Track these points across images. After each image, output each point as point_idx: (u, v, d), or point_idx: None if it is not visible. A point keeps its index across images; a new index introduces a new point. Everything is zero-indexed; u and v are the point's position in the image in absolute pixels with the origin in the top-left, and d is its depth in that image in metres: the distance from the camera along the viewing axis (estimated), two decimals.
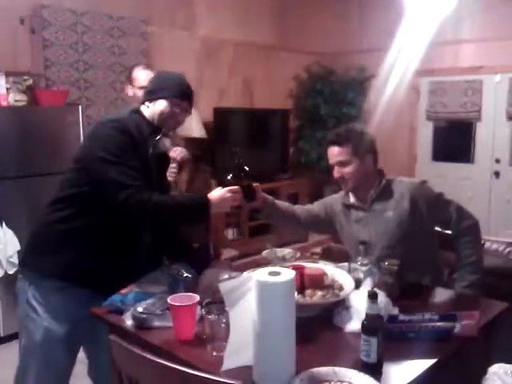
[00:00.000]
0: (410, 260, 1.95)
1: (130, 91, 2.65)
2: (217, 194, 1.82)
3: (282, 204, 2.25)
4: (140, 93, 2.53)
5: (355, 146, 2.07)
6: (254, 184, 2.02)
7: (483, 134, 5.22)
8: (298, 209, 2.31)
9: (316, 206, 2.33)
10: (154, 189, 1.77)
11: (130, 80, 2.67)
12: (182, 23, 4.90)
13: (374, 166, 2.14)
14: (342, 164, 2.08)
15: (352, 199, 2.19)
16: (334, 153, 2.10)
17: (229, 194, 1.83)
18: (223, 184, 1.89)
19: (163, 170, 2.03)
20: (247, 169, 1.91)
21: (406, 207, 2.05)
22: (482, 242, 2.11)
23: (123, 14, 4.27)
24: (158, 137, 1.86)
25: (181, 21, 4.89)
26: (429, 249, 2.11)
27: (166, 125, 1.87)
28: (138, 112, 1.89)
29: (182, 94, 1.87)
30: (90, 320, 1.70)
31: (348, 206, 2.21)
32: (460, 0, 4.75)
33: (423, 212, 2.05)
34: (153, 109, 1.86)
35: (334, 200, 2.29)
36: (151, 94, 1.88)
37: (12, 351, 1.92)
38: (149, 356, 1.17)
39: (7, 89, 3.33)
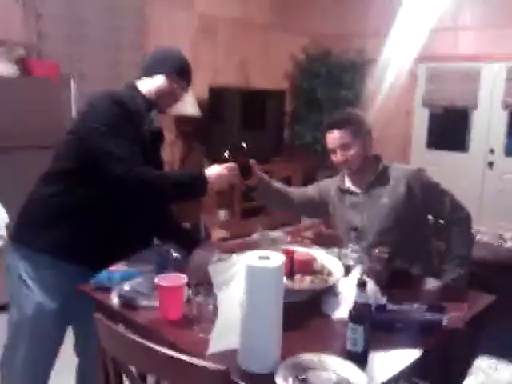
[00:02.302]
0: (401, 247, 1.97)
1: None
2: (214, 170, 1.79)
3: (277, 184, 2.22)
4: None
5: (355, 128, 2.08)
6: (251, 161, 2.00)
7: (478, 123, 5.20)
8: (293, 190, 2.30)
9: (311, 189, 2.31)
10: (150, 165, 1.75)
11: None
12: (179, 0, 4.81)
13: (371, 148, 2.13)
14: (345, 147, 2.08)
15: (348, 183, 2.19)
16: (336, 136, 2.09)
17: (226, 171, 1.81)
18: (220, 161, 1.85)
19: (158, 147, 1.99)
20: (244, 145, 1.92)
21: (401, 193, 2.05)
22: (473, 234, 2.11)
23: None
24: (154, 112, 1.83)
25: None
26: (421, 237, 2.11)
27: (163, 101, 1.85)
28: (133, 86, 1.86)
29: (182, 72, 1.85)
30: (81, 295, 1.68)
31: (343, 191, 2.20)
32: None
33: (418, 199, 2.05)
34: (150, 84, 1.83)
35: (328, 184, 2.28)
36: (150, 69, 1.85)
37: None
38: (133, 336, 1.16)
39: None
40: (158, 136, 1.95)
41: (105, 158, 1.64)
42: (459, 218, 2.05)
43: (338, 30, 5.76)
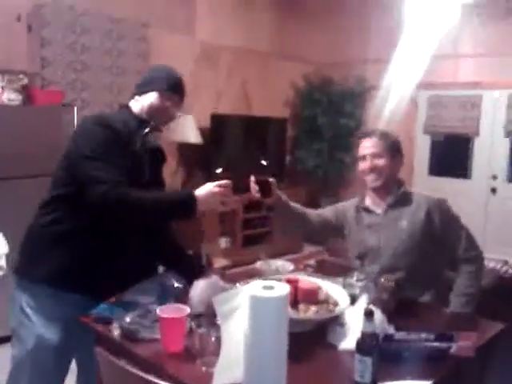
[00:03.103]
0: (413, 273, 1.96)
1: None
2: (204, 189, 1.74)
3: (295, 204, 2.22)
4: None
5: (390, 145, 2.12)
6: (270, 179, 1.99)
7: (480, 150, 5.20)
8: (311, 212, 2.28)
9: (327, 211, 2.30)
10: (146, 184, 1.75)
11: None
12: (181, 27, 4.88)
13: (398, 172, 2.17)
14: (376, 155, 2.10)
15: (368, 202, 2.19)
16: (369, 144, 2.12)
17: (217, 189, 1.73)
18: (213, 178, 1.81)
19: (158, 166, 1.96)
20: (264, 163, 1.83)
21: (421, 218, 2.04)
22: (483, 273, 2.07)
23: (123, 16, 4.24)
24: (146, 130, 1.81)
25: (180, 24, 4.87)
26: (434, 266, 2.08)
27: (156, 118, 1.83)
28: (126, 106, 1.87)
29: (172, 87, 1.84)
30: (83, 326, 1.65)
31: (362, 210, 2.19)
32: (461, 14, 4.78)
33: (436, 228, 2.03)
34: (142, 102, 1.83)
35: (346, 206, 2.28)
36: (141, 87, 1.85)
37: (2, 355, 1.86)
38: (134, 370, 1.12)
39: (1, 87, 3.28)
40: (156, 154, 1.91)
41: (86, 181, 1.63)
42: (473, 257, 2.03)
43: (338, 57, 5.83)
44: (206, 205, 1.73)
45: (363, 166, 2.12)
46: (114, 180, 1.62)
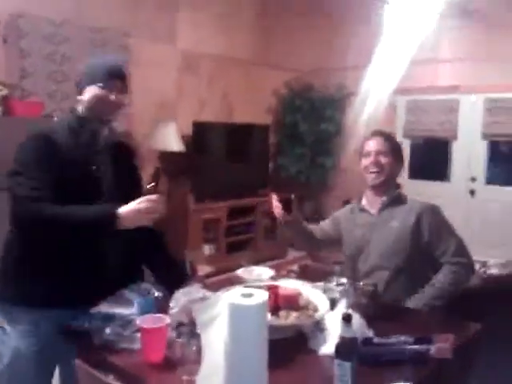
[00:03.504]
0: (399, 276, 2.04)
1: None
2: (129, 205, 1.62)
3: (304, 222, 2.33)
4: None
5: (395, 148, 2.21)
6: (292, 196, 2.06)
7: (459, 153, 5.27)
8: (315, 227, 2.38)
9: (327, 224, 2.40)
10: (110, 186, 1.71)
11: None
12: (163, 35, 4.89)
13: (397, 175, 2.24)
14: (381, 153, 2.17)
15: (364, 202, 2.26)
16: (378, 142, 2.19)
17: (142, 205, 1.61)
18: (145, 193, 1.70)
19: (121, 163, 1.85)
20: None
21: (411, 221, 2.08)
22: (466, 282, 2.08)
23: (104, 26, 4.23)
24: (93, 128, 1.74)
25: (162, 33, 4.88)
26: (421, 271, 2.10)
27: (101, 111, 1.73)
28: (72, 109, 1.78)
29: (109, 73, 1.73)
30: (61, 338, 1.64)
31: (357, 211, 2.26)
32: (438, 20, 4.86)
33: (425, 233, 2.07)
34: (84, 100, 1.74)
35: (341, 212, 2.37)
36: (79, 85, 1.76)
37: None
38: (114, 382, 1.12)
39: None
40: (116, 151, 1.83)
41: (10, 197, 1.61)
42: (459, 263, 2.04)
43: (318, 64, 5.88)
44: (131, 222, 1.60)
45: (366, 162, 2.19)
46: (30, 196, 1.57)
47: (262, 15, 5.83)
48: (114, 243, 1.73)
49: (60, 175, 1.63)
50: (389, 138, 2.23)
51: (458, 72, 5.09)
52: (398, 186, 2.24)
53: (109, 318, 1.53)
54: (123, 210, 1.60)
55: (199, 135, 4.96)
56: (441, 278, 2.02)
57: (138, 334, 1.42)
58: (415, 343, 1.45)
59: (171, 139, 4.59)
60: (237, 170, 5.43)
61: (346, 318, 1.29)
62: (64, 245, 1.65)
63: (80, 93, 1.75)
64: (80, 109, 1.75)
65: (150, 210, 1.62)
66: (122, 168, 1.85)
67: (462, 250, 2.07)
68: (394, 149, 2.20)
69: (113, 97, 1.71)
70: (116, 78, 1.74)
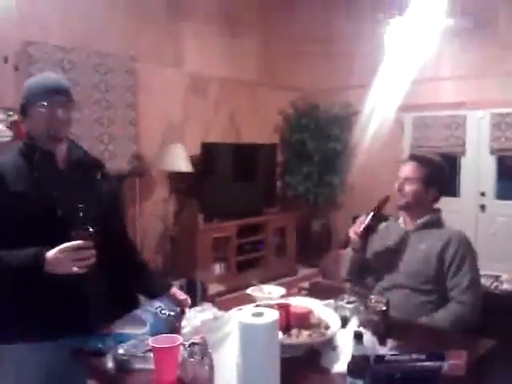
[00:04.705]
0: (416, 296, 2.05)
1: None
2: (52, 253, 1.51)
3: None
4: None
5: (429, 173, 2.16)
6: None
7: (468, 168, 5.27)
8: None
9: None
10: (83, 210, 1.58)
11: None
12: (169, 60, 4.97)
13: (433, 201, 2.21)
14: (408, 180, 2.16)
15: (401, 220, 2.27)
16: (409, 168, 2.19)
17: (63, 255, 1.50)
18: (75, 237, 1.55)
19: (89, 183, 1.76)
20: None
21: (438, 247, 2.08)
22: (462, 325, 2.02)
23: (111, 51, 4.32)
24: (46, 149, 1.66)
25: (168, 57, 4.96)
26: (439, 294, 2.09)
27: (49, 130, 1.64)
28: (26, 136, 1.70)
29: (48, 91, 1.63)
30: (64, 367, 1.62)
31: (392, 227, 2.29)
32: (440, 38, 4.90)
33: (447, 259, 2.07)
34: (30, 123, 1.66)
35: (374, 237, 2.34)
36: (22, 110, 1.68)
37: None
38: None
39: None
40: (82, 170, 1.74)
41: None
42: (465, 303, 2.02)
43: (324, 84, 5.93)
44: (55, 269, 1.51)
45: (396, 185, 2.21)
46: None
47: (266, 37, 5.91)
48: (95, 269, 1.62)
49: (12, 211, 1.56)
50: (426, 163, 2.17)
51: (464, 88, 5.12)
52: (434, 211, 2.22)
53: (122, 338, 1.55)
54: (50, 255, 1.51)
55: (207, 156, 5.01)
56: (442, 316, 2.01)
57: (151, 354, 1.43)
58: (427, 360, 1.44)
59: (180, 160, 4.64)
60: (245, 189, 5.46)
61: (357, 336, 1.30)
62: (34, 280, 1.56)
63: (24, 117, 1.68)
64: (33, 133, 1.67)
65: (76, 257, 1.51)
66: (90, 185, 1.76)
67: (473, 288, 2.04)
68: (427, 175, 2.15)
69: (57, 113, 1.63)
70: (56, 93, 1.65)
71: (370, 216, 2.15)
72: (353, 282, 2.32)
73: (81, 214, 1.55)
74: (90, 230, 1.54)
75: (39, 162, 1.64)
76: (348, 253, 2.29)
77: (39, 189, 1.61)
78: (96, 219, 1.63)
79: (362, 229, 2.14)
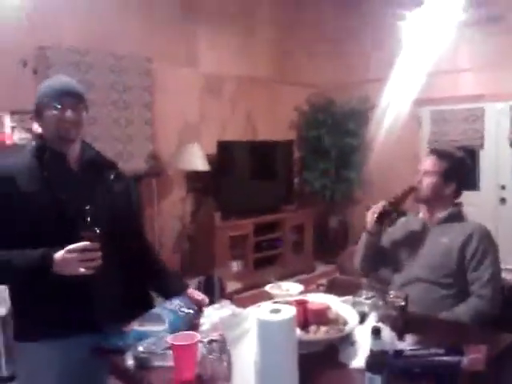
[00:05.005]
0: (435, 291, 2.05)
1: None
2: (59, 254, 1.53)
3: None
4: None
5: (449, 167, 2.16)
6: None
7: (487, 161, 5.20)
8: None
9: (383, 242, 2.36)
10: (96, 211, 1.60)
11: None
12: (184, 60, 5.00)
13: (454, 195, 2.20)
14: (427, 173, 2.18)
15: (421, 214, 2.27)
16: (429, 162, 2.20)
17: (70, 255, 1.52)
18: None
19: (101, 184, 1.77)
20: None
21: (460, 240, 2.08)
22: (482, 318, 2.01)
23: (126, 52, 4.36)
24: (58, 150, 1.68)
25: (183, 58, 4.99)
26: (459, 288, 2.08)
27: (60, 132, 1.67)
28: (36, 136, 1.75)
29: (59, 93, 1.67)
30: (83, 365, 1.66)
31: (413, 221, 2.29)
32: (457, 30, 4.84)
33: (469, 253, 2.06)
34: (43, 126, 1.70)
35: (396, 224, 2.38)
36: (37, 113, 1.71)
37: None
38: None
39: (12, 128, 3.38)
40: (95, 172, 1.77)
41: None
42: (485, 296, 2.01)
43: (339, 79, 5.91)
44: (63, 270, 1.53)
45: (416, 178, 2.22)
46: None
47: (281, 33, 5.90)
48: (105, 264, 1.62)
49: (23, 211, 1.58)
50: (446, 157, 2.18)
51: (482, 80, 5.05)
52: (455, 204, 2.22)
53: (142, 336, 1.56)
54: (57, 255, 1.53)
55: (224, 154, 5.03)
56: (463, 310, 2.00)
57: (170, 352, 1.44)
58: (446, 355, 1.44)
59: (196, 159, 4.66)
60: (262, 186, 5.47)
61: (375, 332, 1.30)
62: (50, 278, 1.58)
63: (38, 119, 1.71)
64: (46, 135, 1.70)
65: (83, 258, 1.52)
66: (103, 186, 1.78)
67: (494, 282, 2.03)
68: (446, 169, 2.15)
69: (67, 114, 1.66)
70: (66, 95, 1.67)
71: (390, 201, 2.16)
72: (365, 272, 2.34)
73: (88, 216, 1.56)
74: (97, 231, 1.55)
75: (50, 162, 1.66)
76: (362, 238, 2.29)
77: (50, 189, 1.63)
78: (109, 220, 1.66)
79: (379, 211, 2.15)
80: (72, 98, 1.68)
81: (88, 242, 1.53)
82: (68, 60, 3.99)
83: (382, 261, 2.32)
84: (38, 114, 1.70)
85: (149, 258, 1.96)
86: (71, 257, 1.52)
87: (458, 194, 2.21)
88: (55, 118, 1.66)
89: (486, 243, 2.08)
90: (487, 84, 5.01)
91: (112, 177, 1.82)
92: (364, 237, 2.28)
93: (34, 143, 1.72)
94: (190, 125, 5.04)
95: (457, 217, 2.18)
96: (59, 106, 1.65)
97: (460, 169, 2.20)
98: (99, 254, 1.55)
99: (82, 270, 1.52)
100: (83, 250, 1.52)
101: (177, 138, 4.86)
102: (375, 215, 2.17)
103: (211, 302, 1.87)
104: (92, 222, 1.56)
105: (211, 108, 5.22)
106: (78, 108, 1.69)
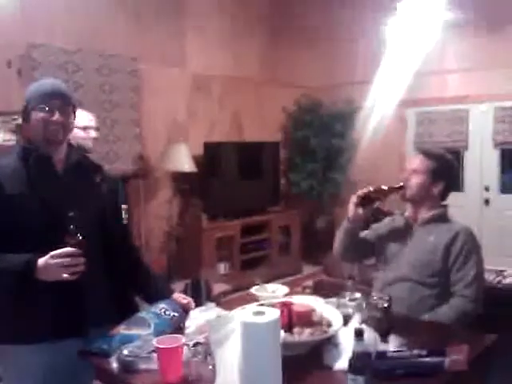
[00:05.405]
0: (420, 290, 2.07)
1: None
2: (43, 260, 1.53)
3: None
4: (80, 133, 2.50)
5: (437, 167, 2.18)
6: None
7: (471, 163, 5.27)
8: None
9: (366, 232, 2.39)
10: (85, 210, 1.62)
11: None
12: (171, 60, 4.99)
13: (441, 196, 2.21)
14: (413, 172, 2.19)
15: (407, 214, 2.28)
16: (415, 160, 2.23)
17: (53, 261, 1.52)
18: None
19: (87, 184, 1.79)
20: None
21: (446, 240, 2.10)
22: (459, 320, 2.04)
23: (114, 52, 4.34)
24: (43, 152, 1.68)
25: (171, 57, 4.98)
26: (443, 288, 2.10)
27: (46, 134, 1.67)
28: (25, 139, 1.75)
29: (46, 95, 1.67)
30: (68, 368, 1.65)
31: (399, 221, 2.30)
32: (443, 31, 4.89)
33: (453, 253, 2.08)
34: (31, 127, 1.69)
35: (382, 222, 2.39)
36: (23, 114, 1.71)
37: None
38: None
39: None
40: (80, 173, 1.77)
41: None
42: (467, 296, 2.03)
43: (326, 81, 5.94)
44: (46, 275, 1.54)
45: (401, 176, 2.25)
46: None
47: (269, 34, 5.92)
48: (90, 268, 1.62)
49: (7, 214, 1.58)
50: (434, 158, 2.20)
51: (466, 82, 5.11)
52: (442, 205, 2.24)
53: (127, 339, 1.56)
54: (40, 261, 1.53)
55: (211, 155, 5.03)
56: (445, 311, 2.03)
57: (155, 355, 1.45)
58: (428, 356, 1.46)
59: (183, 160, 4.66)
60: (249, 187, 5.48)
61: (358, 333, 1.31)
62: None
63: (25, 121, 1.71)
64: (32, 136, 1.70)
65: (66, 264, 1.52)
66: (88, 188, 1.79)
67: (477, 282, 2.06)
68: (434, 168, 2.17)
69: (53, 117, 1.66)
70: (54, 98, 1.68)
71: (372, 189, 2.17)
72: (345, 260, 2.40)
73: (72, 222, 1.56)
74: (80, 238, 1.56)
75: (36, 164, 1.67)
76: (342, 225, 2.31)
77: (35, 192, 1.63)
78: (94, 223, 1.66)
79: (363, 194, 2.17)
80: (59, 100, 1.69)
81: (71, 248, 1.54)
82: (55, 60, 3.96)
83: (365, 252, 2.36)
84: (26, 115, 1.70)
85: (134, 262, 1.95)
86: (54, 262, 1.52)
87: (444, 195, 2.23)
88: (41, 121, 1.66)
89: (471, 244, 2.11)
90: (472, 85, 5.07)
91: (98, 179, 1.82)
92: (344, 223, 2.30)
93: (20, 145, 1.73)
94: (177, 125, 5.03)
95: (442, 218, 2.20)
96: (47, 108, 1.66)
97: (448, 169, 2.23)
98: (82, 260, 1.55)
99: (65, 275, 1.53)
100: (66, 255, 1.53)
101: (164, 139, 4.85)
102: (358, 198, 2.18)
103: (198, 305, 1.88)
104: (76, 229, 1.56)
105: (199, 108, 5.22)
106: (65, 110, 1.69)
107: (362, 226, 2.31)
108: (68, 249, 1.53)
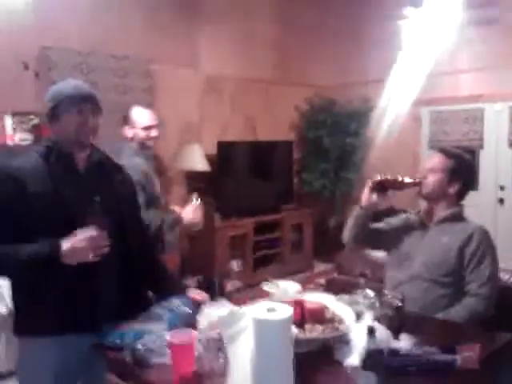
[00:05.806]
0: (435, 289, 2.06)
1: (128, 132, 2.67)
2: (67, 242, 1.56)
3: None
4: (142, 133, 2.56)
5: (455, 167, 2.17)
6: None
7: (486, 162, 5.21)
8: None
9: (380, 224, 2.40)
10: (101, 212, 1.63)
11: (127, 121, 2.67)
12: (184, 61, 5.01)
13: (457, 196, 2.20)
14: (431, 170, 2.19)
15: (422, 211, 2.28)
16: (434, 158, 2.22)
17: (79, 243, 1.56)
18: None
19: (108, 186, 1.80)
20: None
21: (460, 240, 2.09)
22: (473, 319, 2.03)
23: (127, 54, 4.37)
24: (69, 153, 1.72)
25: (184, 59, 5.00)
26: (457, 287, 2.10)
27: (79, 137, 1.70)
28: (46, 140, 1.77)
29: (81, 99, 1.71)
30: (81, 361, 1.68)
31: (414, 219, 2.30)
32: (457, 30, 4.86)
33: (468, 253, 2.08)
34: (58, 129, 1.72)
35: (397, 218, 2.39)
36: (51, 117, 1.72)
37: None
38: None
39: (13, 128, 3.40)
40: (101, 174, 1.79)
41: None
42: (481, 295, 2.03)
43: (340, 79, 5.92)
44: (71, 259, 1.57)
45: (419, 174, 2.24)
46: None
47: (280, 34, 5.91)
48: (106, 261, 1.66)
49: (29, 212, 1.60)
50: (453, 157, 2.19)
51: (480, 81, 5.06)
52: (458, 205, 2.23)
53: (140, 334, 1.59)
54: (65, 244, 1.56)
55: (224, 154, 5.05)
56: (459, 311, 2.02)
57: (168, 349, 1.47)
58: (440, 353, 1.46)
59: (197, 160, 4.68)
60: (262, 186, 5.49)
61: (371, 331, 1.32)
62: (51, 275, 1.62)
63: (52, 121, 1.73)
64: (56, 138, 1.73)
65: (90, 246, 1.57)
66: (109, 187, 1.80)
67: (492, 282, 2.05)
68: (451, 167, 2.16)
69: (88, 120, 1.71)
70: (88, 101, 1.72)
71: (394, 178, 2.18)
72: (352, 245, 2.42)
73: (96, 205, 1.60)
74: (105, 219, 1.60)
75: (58, 163, 1.69)
76: (353, 211, 2.32)
77: (56, 190, 1.65)
78: (112, 220, 1.68)
79: (379, 180, 2.20)
80: (93, 104, 1.74)
81: (96, 230, 1.58)
82: (70, 62, 3.99)
83: (375, 243, 2.35)
84: (54, 117, 1.72)
85: (150, 259, 1.98)
86: (80, 243, 1.55)
87: (461, 195, 2.22)
88: (76, 123, 1.69)
89: (486, 244, 2.10)
90: (487, 85, 5.02)
91: (118, 179, 1.86)
92: (355, 210, 2.31)
93: (42, 144, 1.75)
94: (190, 125, 5.06)
95: (457, 217, 2.19)
96: (81, 112, 1.69)
97: (466, 169, 2.22)
98: (106, 241, 1.59)
99: (91, 256, 1.57)
100: (91, 237, 1.57)
101: (177, 139, 4.88)
102: (373, 183, 2.21)
103: (211, 301, 1.90)
104: (100, 211, 1.60)
105: (211, 108, 5.23)
106: (96, 113, 1.75)
107: (372, 215, 2.30)
108: (93, 230, 1.57)
